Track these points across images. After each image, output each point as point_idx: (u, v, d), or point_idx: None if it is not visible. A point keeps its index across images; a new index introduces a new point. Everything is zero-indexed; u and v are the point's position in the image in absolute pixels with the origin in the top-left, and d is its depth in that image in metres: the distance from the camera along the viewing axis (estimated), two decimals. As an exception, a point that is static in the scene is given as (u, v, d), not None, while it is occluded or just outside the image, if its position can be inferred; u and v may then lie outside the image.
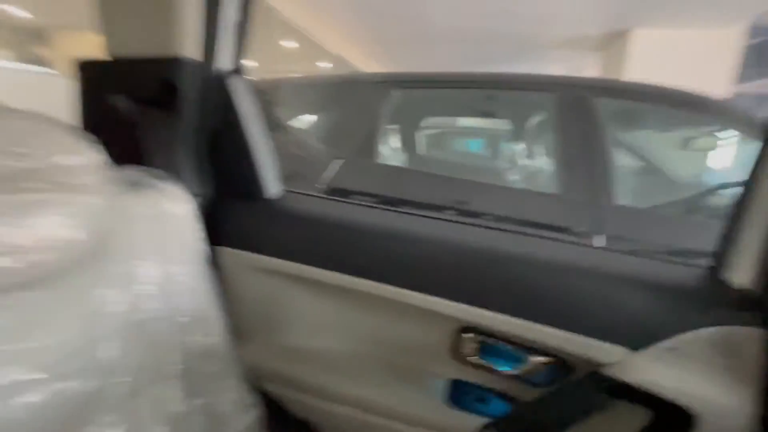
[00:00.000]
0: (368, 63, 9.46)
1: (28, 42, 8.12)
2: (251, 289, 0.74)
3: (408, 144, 2.59)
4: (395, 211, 0.79)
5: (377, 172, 1.79)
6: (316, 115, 2.11)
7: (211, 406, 0.58)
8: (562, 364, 0.61)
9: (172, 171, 0.62)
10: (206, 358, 0.59)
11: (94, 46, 0.67)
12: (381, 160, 1.95)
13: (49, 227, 0.40)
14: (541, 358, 0.62)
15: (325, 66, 9.60)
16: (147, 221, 0.54)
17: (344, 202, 0.85)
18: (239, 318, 0.71)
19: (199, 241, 0.62)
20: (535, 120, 2.36)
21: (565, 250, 0.66)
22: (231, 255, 0.72)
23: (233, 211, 0.73)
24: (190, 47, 0.61)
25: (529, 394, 0.64)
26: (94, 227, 0.45)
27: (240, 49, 0.67)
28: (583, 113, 1.54)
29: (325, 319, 0.76)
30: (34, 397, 0.39)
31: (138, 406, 0.49)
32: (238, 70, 0.68)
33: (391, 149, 2.35)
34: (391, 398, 0.71)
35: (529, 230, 0.77)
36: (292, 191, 0.79)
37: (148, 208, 0.55)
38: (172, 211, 0.58)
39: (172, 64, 0.61)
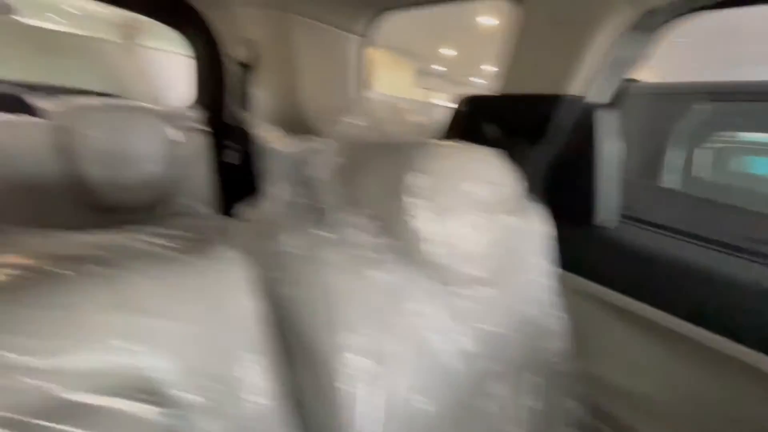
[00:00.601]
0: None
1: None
2: (571, 311, 0.77)
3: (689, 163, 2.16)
4: (740, 257, 0.68)
5: (664, 199, 1.57)
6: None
7: (549, 409, 0.64)
8: None
9: (534, 194, 0.71)
10: (547, 365, 0.65)
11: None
12: (668, 184, 1.70)
13: (494, 240, 0.52)
14: None
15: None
16: (528, 236, 0.64)
17: (678, 238, 0.78)
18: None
19: (550, 257, 0.68)
20: None
21: None
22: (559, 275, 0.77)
23: (567, 234, 0.77)
24: (576, 85, 0.67)
25: None
26: (511, 242, 0.56)
27: (618, 83, 0.70)
28: None
29: (645, 358, 0.72)
30: (473, 365, 0.52)
31: (507, 389, 0.59)
32: (611, 104, 0.71)
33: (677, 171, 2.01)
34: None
35: None
36: (626, 222, 0.78)
37: (528, 226, 0.64)
38: (540, 229, 0.66)
39: (554, 100, 0.69)
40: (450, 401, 0.47)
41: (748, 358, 0.57)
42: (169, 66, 1.75)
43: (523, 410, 0.61)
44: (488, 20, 5.52)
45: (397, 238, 0.44)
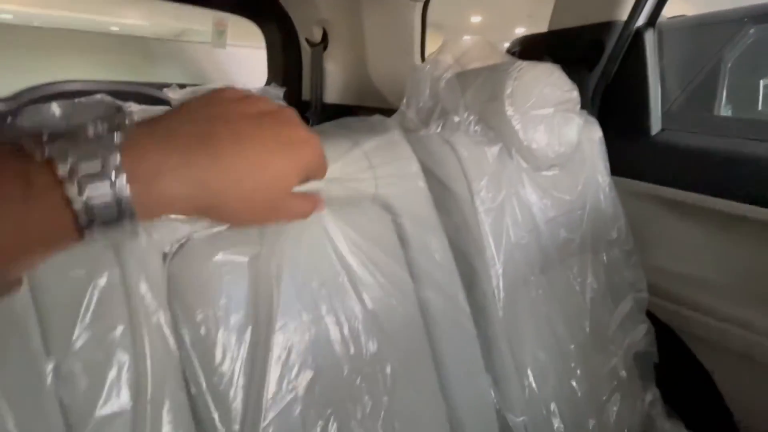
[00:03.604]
0: None
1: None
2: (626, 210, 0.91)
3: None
4: None
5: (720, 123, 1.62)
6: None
7: (612, 285, 0.80)
8: None
9: (588, 108, 0.86)
10: (609, 245, 0.80)
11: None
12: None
13: (566, 133, 0.68)
14: None
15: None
16: (588, 137, 0.79)
17: (720, 135, 0.88)
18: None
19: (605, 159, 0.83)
20: None
21: None
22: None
23: (618, 143, 0.90)
24: (622, 11, 0.81)
25: None
26: (577, 138, 0.72)
27: (659, 6, 0.82)
28: None
29: (700, 243, 0.85)
30: (557, 233, 0.69)
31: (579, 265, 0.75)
32: (652, 24, 0.84)
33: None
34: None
35: None
36: (669, 129, 0.91)
37: (588, 129, 0.80)
38: (596, 136, 0.81)
39: (603, 27, 0.82)
40: (542, 262, 0.65)
41: None
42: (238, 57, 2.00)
43: (588, 285, 0.77)
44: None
45: (497, 132, 0.62)
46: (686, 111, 1.10)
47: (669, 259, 0.89)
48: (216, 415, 0.31)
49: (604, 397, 0.73)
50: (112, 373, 0.27)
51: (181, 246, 0.32)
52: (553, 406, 0.63)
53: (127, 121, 0.22)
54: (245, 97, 0.29)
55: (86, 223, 0.20)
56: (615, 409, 0.74)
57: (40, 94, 1.26)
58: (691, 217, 0.85)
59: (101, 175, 0.20)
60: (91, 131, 0.20)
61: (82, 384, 0.27)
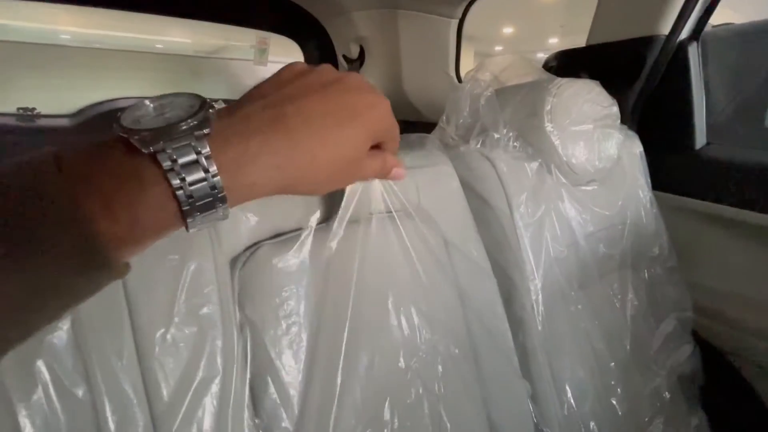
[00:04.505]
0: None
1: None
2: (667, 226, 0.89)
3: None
4: None
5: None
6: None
7: (654, 302, 0.78)
8: None
9: (628, 123, 0.85)
10: (651, 262, 0.79)
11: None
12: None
13: (606, 148, 0.68)
14: None
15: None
16: (628, 153, 0.79)
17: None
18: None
19: (646, 175, 0.82)
20: None
21: None
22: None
23: (661, 157, 0.89)
24: (664, 25, 0.80)
25: None
26: (617, 153, 0.71)
27: (704, 19, 0.81)
28: None
29: (745, 259, 0.82)
30: (597, 248, 0.69)
31: (619, 281, 0.74)
32: (696, 38, 0.83)
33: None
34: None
35: None
36: (714, 143, 0.88)
37: (628, 144, 0.79)
38: (637, 150, 0.81)
39: (644, 42, 0.82)
40: (581, 277, 0.65)
41: None
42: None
43: (629, 302, 0.75)
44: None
45: (536, 148, 0.63)
46: (734, 124, 1.06)
47: (715, 278, 0.86)
48: (297, 392, 0.35)
49: (646, 419, 0.71)
50: (208, 344, 0.31)
51: (254, 250, 0.36)
52: (592, 424, 0.62)
53: (211, 112, 0.24)
54: (310, 70, 0.30)
55: (188, 210, 0.22)
56: (658, 432, 0.72)
57: (101, 110, 1.37)
58: (738, 234, 0.82)
59: (197, 165, 0.22)
60: (183, 126, 0.22)
61: (185, 352, 0.31)
